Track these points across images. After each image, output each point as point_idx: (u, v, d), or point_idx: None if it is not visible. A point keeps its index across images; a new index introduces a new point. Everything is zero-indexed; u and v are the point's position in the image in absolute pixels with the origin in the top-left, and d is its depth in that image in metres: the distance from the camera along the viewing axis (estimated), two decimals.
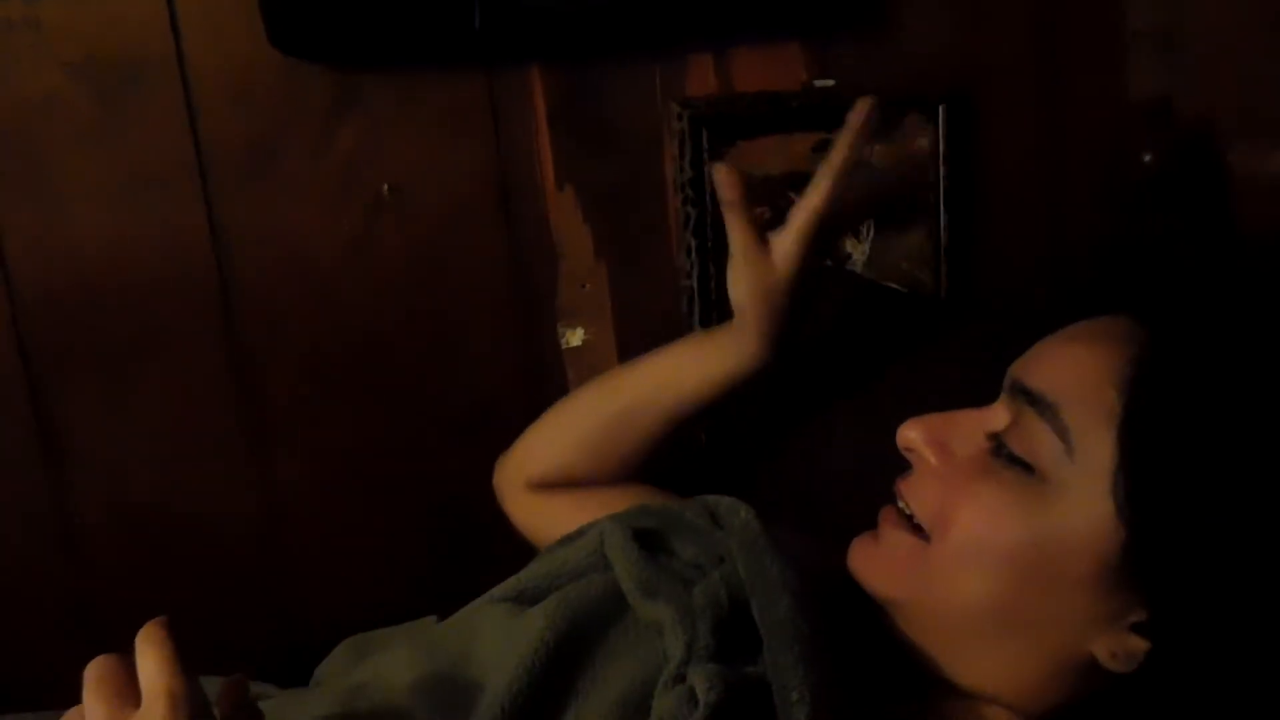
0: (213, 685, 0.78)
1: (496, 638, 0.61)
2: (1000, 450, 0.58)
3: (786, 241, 0.75)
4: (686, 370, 0.80)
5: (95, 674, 0.52)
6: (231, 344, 0.92)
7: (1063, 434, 0.55)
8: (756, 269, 0.75)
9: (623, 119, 0.94)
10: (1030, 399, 0.57)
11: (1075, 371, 0.56)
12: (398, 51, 0.89)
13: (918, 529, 0.60)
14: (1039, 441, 0.56)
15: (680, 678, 0.54)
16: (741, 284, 0.76)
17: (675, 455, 0.84)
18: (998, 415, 0.60)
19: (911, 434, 0.61)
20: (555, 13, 0.87)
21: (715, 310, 0.96)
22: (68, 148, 0.87)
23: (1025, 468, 0.56)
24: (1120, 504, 0.53)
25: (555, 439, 0.85)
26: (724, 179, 0.76)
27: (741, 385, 0.79)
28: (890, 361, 0.87)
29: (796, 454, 0.87)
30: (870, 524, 0.63)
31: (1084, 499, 0.54)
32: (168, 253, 0.90)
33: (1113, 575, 0.54)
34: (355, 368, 0.94)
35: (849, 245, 1.00)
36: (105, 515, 0.92)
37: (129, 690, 0.50)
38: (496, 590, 0.67)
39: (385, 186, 0.91)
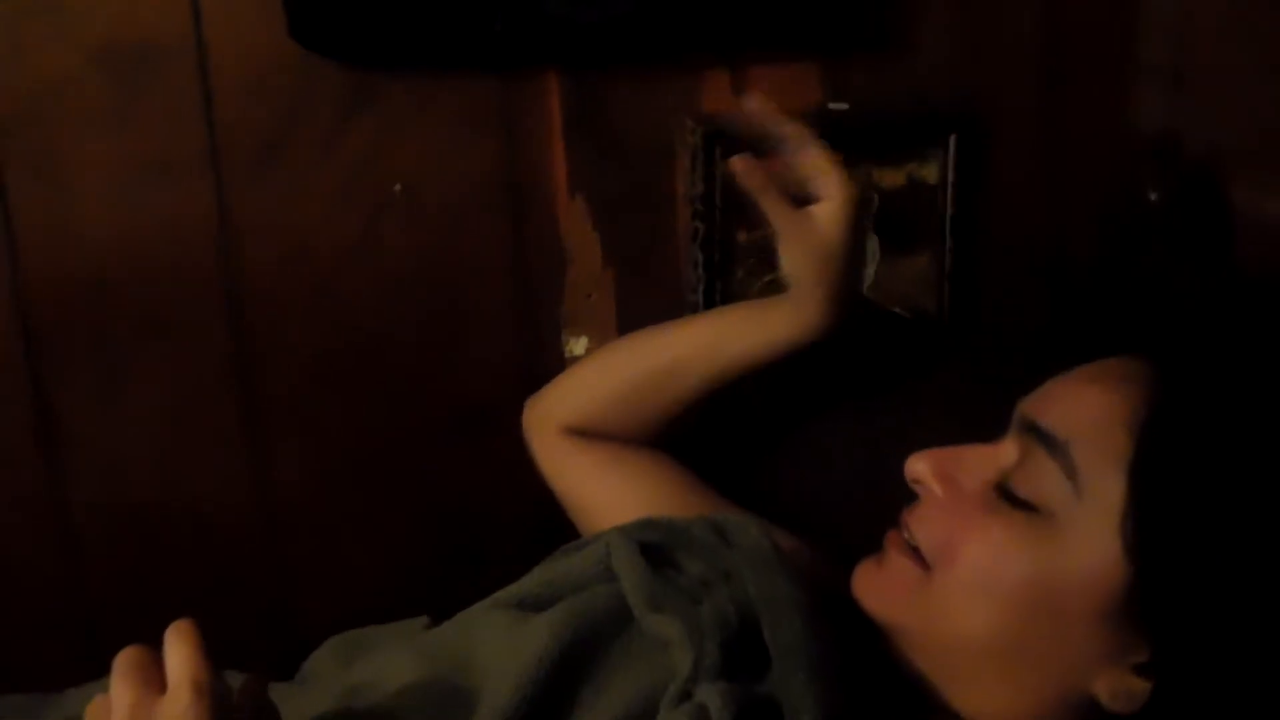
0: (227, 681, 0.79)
1: (499, 645, 0.61)
2: (1007, 487, 0.59)
3: (830, 206, 0.75)
4: (736, 335, 0.80)
5: (124, 662, 0.54)
6: (235, 336, 0.92)
7: (1071, 473, 0.55)
8: (806, 239, 0.75)
9: (636, 130, 0.95)
10: (1040, 437, 0.57)
11: (1087, 411, 0.57)
12: (416, 52, 0.89)
13: (920, 558, 0.61)
14: (1046, 482, 0.56)
15: (687, 694, 0.54)
16: (795, 257, 0.76)
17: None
18: (1006, 452, 0.60)
19: (920, 466, 0.62)
20: (576, 22, 0.88)
21: None
22: (81, 131, 0.86)
23: (1031, 506, 0.57)
24: (1128, 544, 0.54)
25: (592, 384, 0.85)
26: (742, 170, 0.76)
27: (793, 353, 0.79)
28: (892, 385, 0.87)
29: (798, 472, 0.88)
30: (874, 546, 0.64)
31: (1091, 538, 0.55)
32: (175, 241, 0.89)
33: (1116, 615, 0.54)
34: (357, 364, 0.94)
35: None
36: (100, 503, 0.92)
37: (155, 678, 0.53)
38: (499, 595, 0.67)
39: (398, 186, 0.92)
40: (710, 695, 0.53)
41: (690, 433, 0.87)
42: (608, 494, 0.80)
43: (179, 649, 0.53)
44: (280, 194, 0.90)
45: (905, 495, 0.65)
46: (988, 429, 0.66)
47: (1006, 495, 0.58)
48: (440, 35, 0.87)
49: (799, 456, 0.88)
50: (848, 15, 0.94)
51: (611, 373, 0.85)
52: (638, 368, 0.83)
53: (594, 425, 0.83)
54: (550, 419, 0.85)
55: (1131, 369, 0.58)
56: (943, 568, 0.59)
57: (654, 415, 0.83)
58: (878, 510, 0.79)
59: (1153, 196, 1.08)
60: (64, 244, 0.88)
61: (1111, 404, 0.56)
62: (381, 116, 0.90)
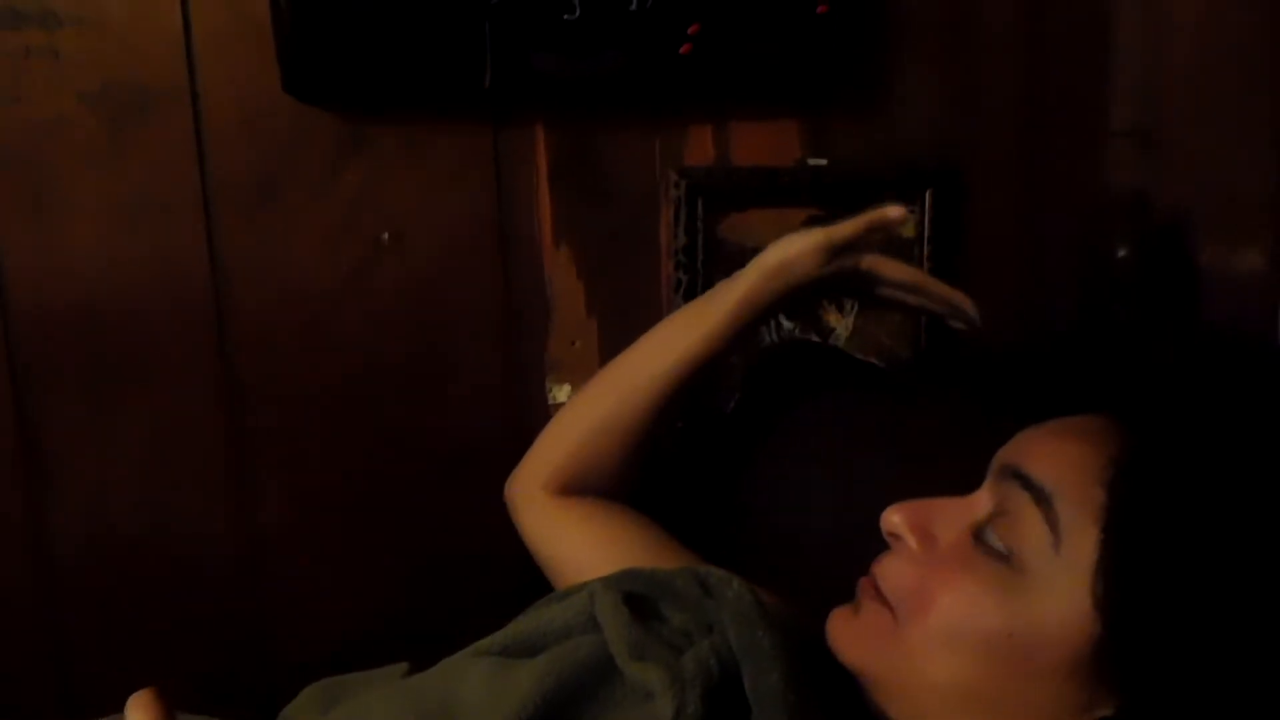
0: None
1: (482, 694, 0.61)
2: (982, 539, 0.59)
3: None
4: (676, 337, 0.84)
5: None
6: (222, 375, 0.92)
7: (1054, 526, 0.56)
8: (821, 254, 0.80)
9: (622, 182, 0.97)
10: (1026, 486, 0.58)
11: (1068, 465, 0.57)
12: (408, 102, 0.91)
13: (892, 608, 0.61)
14: (1026, 531, 0.57)
15: None
16: (792, 249, 0.81)
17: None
18: (981, 503, 0.61)
19: (895, 518, 0.62)
20: (564, 78, 0.90)
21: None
22: (75, 171, 0.88)
23: (1005, 558, 0.57)
24: (1099, 600, 0.54)
25: (562, 435, 0.86)
26: (897, 215, 0.84)
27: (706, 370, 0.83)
28: (867, 433, 0.89)
29: (773, 519, 0.89)
30: (847, 592, 0.65)
31: (1063, 592, 0.55)
32: (165, 281, 0.90)
33: (1084, 668, 0.55)
34: (343, 406, 0.95)
35: (833, 319, 1.02)
36: (81, 536, 0.92)
37: None
38: (481, 643, 0.67)
39: (385, 235, 0.93)
40: None
41: (666, 480, 0.88)
42: (590, 550, 0.81)
43: None
44: (270, 237, 0.92)
45: (879, 543, 0.66)
46: (961, 478, 0.67)
47: (982, 544, 0.59)
48: (430, 89, 0.89)
49: (775, 504, 0.89)
50: (828, 74, 0.97)
51: (578, 417, 0.86)
52: (602, 402, 0.85)
53: (574, 476, 0.85)
54: (531, 482, 0.86)
55: (1101, 426, 0.59)
56: (914, 618, 0.59)
57: (628, 444, 0.84)
58: (852, 557, 0.80)
59: (1122, 253, 1.11)
60: (54, 281, 0.88)
61: (1087, 459, 0.57)
62: (372, 163, 0.92)
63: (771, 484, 0.90)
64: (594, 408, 0.85)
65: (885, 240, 0.87)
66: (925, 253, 1.03)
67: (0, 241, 0.88)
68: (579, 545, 0.81)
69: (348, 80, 0.88)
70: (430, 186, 0.94)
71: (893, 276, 0.85)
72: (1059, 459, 0.58)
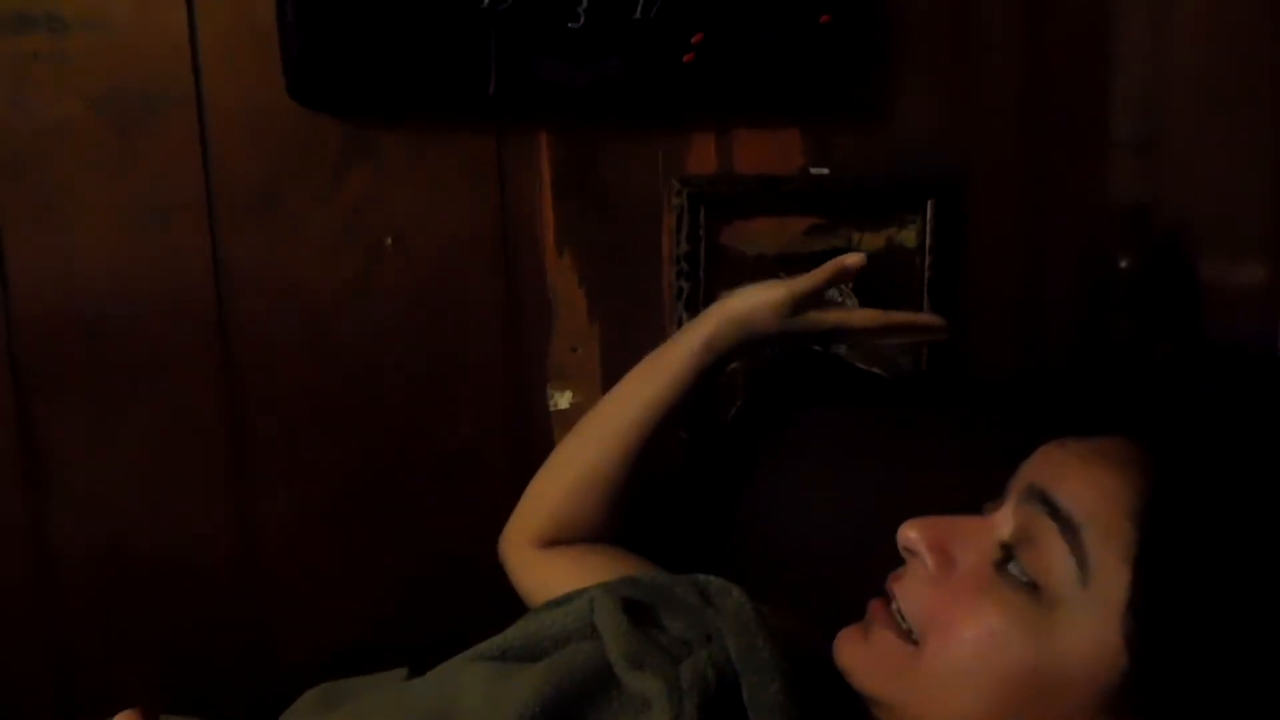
0: None
1: (480, 702, 0.61)
2: (1007, 564, 0.57)
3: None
4: (637, 387, 0.86)
5: None
6: (224, 380, 0.93)
7: (1082, 559, 0.54)
8: (783, 307, 0.82)
9: (624, 190, 0.97)
10: (1055, 515, 0.55)
11: (1096, 495, 0.55)
12: (412, 109, 0.92)
13: (907, 632, 0.59)
14: (1053, 561, 0.54)
15: None
16: (756, 299, 0.83)
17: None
18: (1002, 525, 0.58)
19: (912, 534, 0.60)
20: (568, 86, 0.90)
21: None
22: (80, 175, 0.88)
23: (1030, 589, 0.55)
24: (1129, 637, 0.52)
25: (545, 489, 0.88)
26: (855, 261, 0.86)
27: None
28: (870, 444, 0.89)
29: (774, 530, 0.89)
30: (853, 607, 0.63)
31: (1090, 627, 0.53)
32: (169, 285, 0.91)
33: (1108, 704, 0.53)
34: (344, 411, 0.95)
35: None
36: (82, 540, 0.92)
37: None
38: (480, 648, 0.67)
39: (389, 240, 0.93)
40: None
41: (666, 489, 0.88)
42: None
43: None
44: (274, 241, 0.92)
45: (880, 555, 0.65)
46: (965, 491, 0.66)
47: (1005, 571, 0.56)
48: (435, 96, 0.89)
49: (775, 514, 0.89)
50: (831, 83, 0.97)
51: (558, 472, 0.88)
52: (579, 456, 0.87)
53: (560, 529, 0.86)
54: (521, 540, 0.88)
55: (1127, 452, 0.57)
56: (934, 646, 0.57)
57: (608, 493, 0.85)
58: (852, 569, 0.79)
59: (1123, 264, 1.11)
60: (58, 285, 0.89)
61: (1115, 489, 0.55)
62: (376, 168, 0.92)
63: (772, 494, 0.90)
64: (572, 462, 0.87)
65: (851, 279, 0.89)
66: (927, 262, 1.03)
67: (5, 244, 0.88)
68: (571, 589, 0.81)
69: (352, 86, 0.88)
70: (434, 192, 0.94)
71: (858, 326, 0.87)
72: (1088, 488, 0.55)
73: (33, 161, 0.87)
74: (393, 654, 0.83)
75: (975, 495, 0.64)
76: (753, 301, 0.84)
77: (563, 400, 0.99)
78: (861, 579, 0.67)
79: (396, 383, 0.96)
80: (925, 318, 0.92)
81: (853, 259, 0.85)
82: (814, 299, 0.85)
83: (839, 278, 0.85)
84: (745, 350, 0.86)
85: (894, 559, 0.63)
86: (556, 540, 0.86)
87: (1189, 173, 1.08)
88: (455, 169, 0.94)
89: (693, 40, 0.92)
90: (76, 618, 0.93)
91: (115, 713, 0.55)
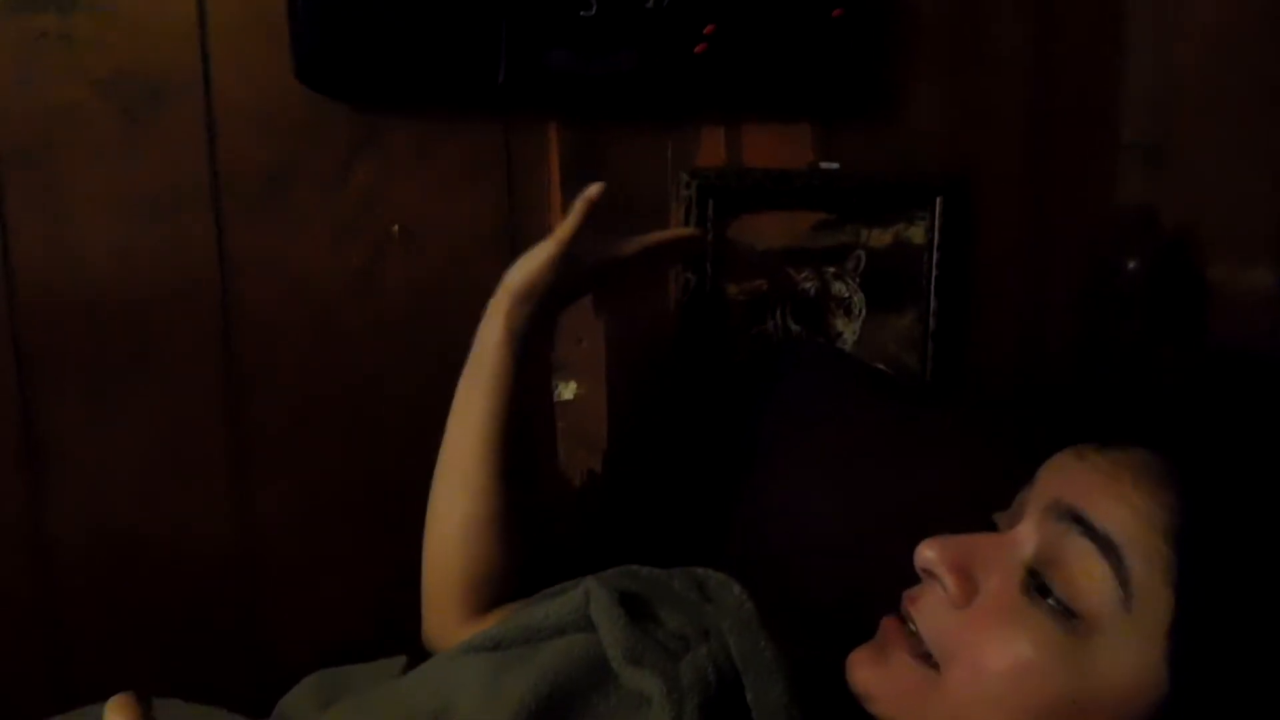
0: (175, 708, 0.78)
1: (477, 696, 0.60)
2: (1036, 587, 0.54)
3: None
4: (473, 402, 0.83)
5: None
6: (227, 368, 0.92)
7: (1124, 581, 0.51)
8: (556, 261, 0.82)
9: (633, 182, 0.96)
10: (1090, 534, 0.53)
11: (1132, 515, 0.52)
12: (419, 96, 0.91)
13: (926, 655, 0.57)
14: (1092, 584, 0.52)
15: None
16: (532, 264, 0.82)
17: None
18: (1024, 543, 0.56)
19: (931, 555, 0.57)
20: (578, 77, 0.90)
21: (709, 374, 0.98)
22: (85, 160, 0.87)
23: (1065, 611, 0.53)
24: (1171, 660, 0.51)
25: (444, 567, 0.83)
26: (594, 191, 0.84)
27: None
28: (873, 439, 0.88)
29: (771, 523, 0.88)
30: (855, 611, 0.62)
31: (1131, 651, 0.51)
32: (173, 272, 0.90)
33: None
34: (347, 402, 0.95)
35: (840, 324, 1.02)
36: (80, 529, 0.91)
37: None
38: (475, 639, 0.66)
39: (396, 227, 0.93)
40: None
41: (660, 482, 0.86)
42: None
43: None
44: (280, 230, 0.91)
45: (881, 553, 0.63)
46: (969, 489, 0.65)
47: (1034, 595, 0.54)
48: (443, 82, 0.89)
49: (773, 508, 0.88)
50: (841, 78, 0.97)
51: (441, 539, 0.83)
52: (452, 510, 0.82)
53: (479, 593, 0.81)
54: (445, 625, 0.82)
55: (1153, 467, 0.54)
56: (959, 676, 0.54)
57: (503, 530, 0.81)
58: (854, 567, 0.79)
59: (1130, 266, 1.11)
60: (62, 270, 0.88)
61: (1148, 508, 0.52)
62: (383, 158, 0.92)
63: (770, 487, 0.90)
64: (449, 520, 0.82)
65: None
66: (934, 259, 1.02)
67: (11, 232, 0.87)
68: None
69: (361, 71, 0.88)
70: (441, 184, 0.93)
71: (624, 254, 0.88)
72: (1122, 507, 0.53)
73: (37, 147, 0.86)
74: (391, 643, 0.82)
75: (980, 497, 0.63)
76: (527, 270, 0.82)
77: (568, 392, 0.98)
78: (864, 581, 0.65)
79: (401, 374, 0.95)
80: (680, 230, 0.95)
81: (593, 190, 0.84)
82: (581, 241, 0.84)
83: (587, 211, 0.84)
84: (553, 312, 0.85)
85: (896, 559, 0.60)
86: (480, 607, 0.81)
87: (1196, 175, 1.08)
88: (463, 159, 0.93)
89: (705, 31, 0.91)
90: (74, 604, 0.92)
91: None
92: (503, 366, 0.81)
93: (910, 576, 0.60)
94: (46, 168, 0.87)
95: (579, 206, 0.84)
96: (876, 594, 0.63)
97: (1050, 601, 0.53)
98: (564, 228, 0.83)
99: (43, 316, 0.88)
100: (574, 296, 0.88)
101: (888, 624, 0.59)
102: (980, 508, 0.63)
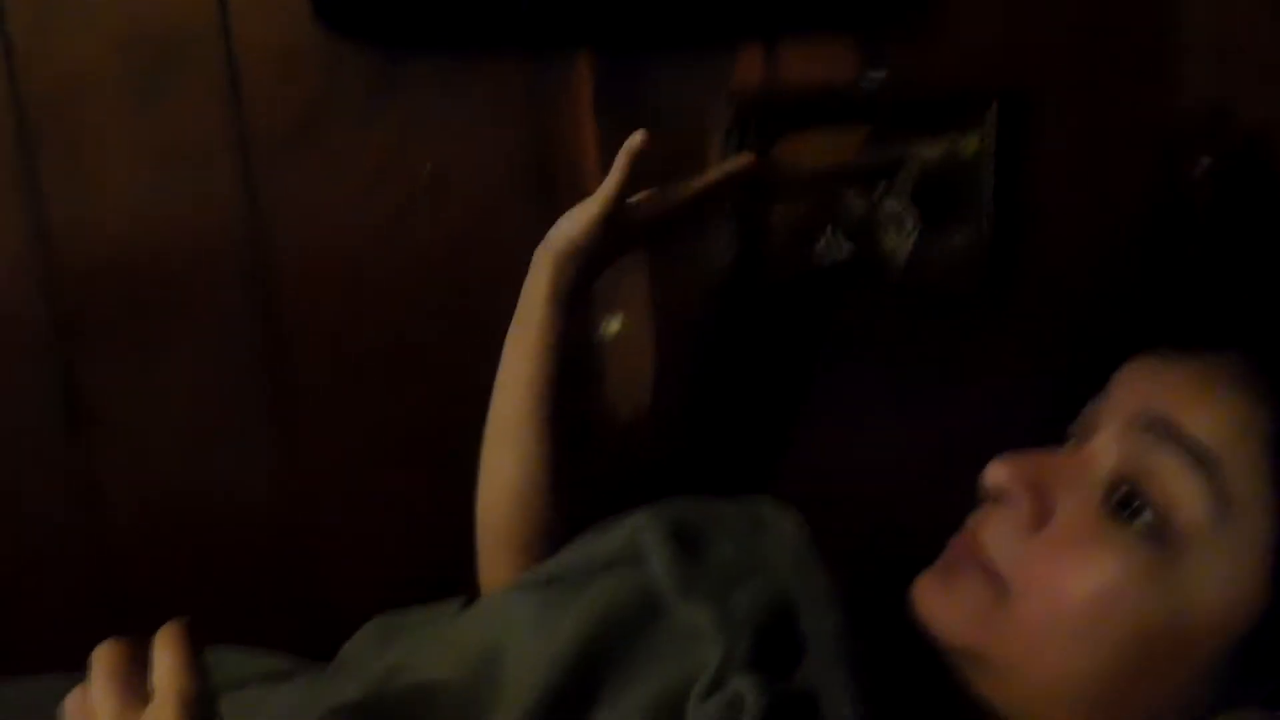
0: (231, 656, 0.79)
1: (527, 633, 0.60)
2: (1119, 505, 0.51)
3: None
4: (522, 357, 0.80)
5: (105, 664, 0.51)
6: (263, 321, 0.91)
7: (1221, 495, 0.49)
8: (602, 219, 0.77)
9: (669, 109, 0.92)
10: (1184, 446, 0.50)
11: (1230, 424, 0.50)
12: (443, 33, 0.88)
13: (997, 575, 0.53)
14: (1185, 499, 0.49)
15: (717, 684, 0.52)
16: (575, 227, 0.78)
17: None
18: (1103, 459, 0.53)
19: (1002, 473, 0.54)
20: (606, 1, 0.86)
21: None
22: (110, 118, 0.86)
23: (1154, 529, 0.50)
24: (1273, 576, 0.48)
25: (497, 532, 0.81)
26: (637, 142, 0.78)
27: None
28: (930, 360, 0.86)
29: (827, 450, 0.87)
30: (908, 534, 0.60)
31: (1228, 570, 0.48)
32: (205, 227, 0.89)
33: (1238, 653, 0.49)
34: (386, 350, 0.93)
35: (892, 241, 0.98)
36: (131, 488, 0.92)
37: (138, 684, 0.50)
38: (527, 576, 0.66)
39: (429, 165, 0.90)
40: (745, 686, 0.50)
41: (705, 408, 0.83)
42: None
43: (168, 658, 0.50)
44: (308, 179, 0.90)
45: (938, 475, 0.61)
46: (1028, 399, 0.61)
47: (1118, 513, 0.51)
48: (466, 14, 0.86)
49: (823, 431, 0.87)
50: None
51: (494, 502, 0.81)
52: (500, 472, 0.81)
53: (535, 556, 0.78)
54: (499, 577, 0.80)
55: (1242, 370, 0.51)
56: (1034, 604, 0.51)
57: (553, 488, 0.78)
58: (910, 490, 0.77)
59: (1198, 171, 1.05)
60: (93, 230, 0.88)
61: (1246, 416, 0.49)
62: (409, 101, 0.89)
63: (826, 416, 0.88)
64: (499, 483, 0.81)
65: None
66: (990, 169, 0.98)
67: (42, 194, 0.87)
68: None
69: (379, 3, 0.85)
70: (469, 124, 0.90)
71: (674, 203, 0.81)
72: (1219, 416, 0.50)
73: (60, 106, 0.86)
74: (449, 584, 0.82)
75: (1046, 414, 0.59)
76: (570, 231, 0.78)
77: (615, 324, 0.95)
78: (927, 509, 0.63)
79: (439, 321, 0.93)
80: (731, 164, 0.86)
81: (636, 139, 0.79)
82: (626, 194, 0.79)
83: (631, 164, 0.79)
84: (600, 270, 0.81)
85: (960, 484, 0.57)
86: (534, 564, 0.77)
87: (1270, 73, 1.02)
88: (491, 98, 0.90)
89: None
90: (128, 562, 0.93)
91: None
92: (548, 325, 0.79)
93: (974, 504, 0.56)
94: (71, 128, 0.87)
95: (621, 160, 0.79)
96: (940, 523, 0.59)
97: (1136, 521, 0.50)
98: (607, 184, 0.79)
99: (77, 278, 0.89)
100: (623, 252, 0.84)
101: (954, 542, 0.56)
102: (1048, 425, 0.60)
